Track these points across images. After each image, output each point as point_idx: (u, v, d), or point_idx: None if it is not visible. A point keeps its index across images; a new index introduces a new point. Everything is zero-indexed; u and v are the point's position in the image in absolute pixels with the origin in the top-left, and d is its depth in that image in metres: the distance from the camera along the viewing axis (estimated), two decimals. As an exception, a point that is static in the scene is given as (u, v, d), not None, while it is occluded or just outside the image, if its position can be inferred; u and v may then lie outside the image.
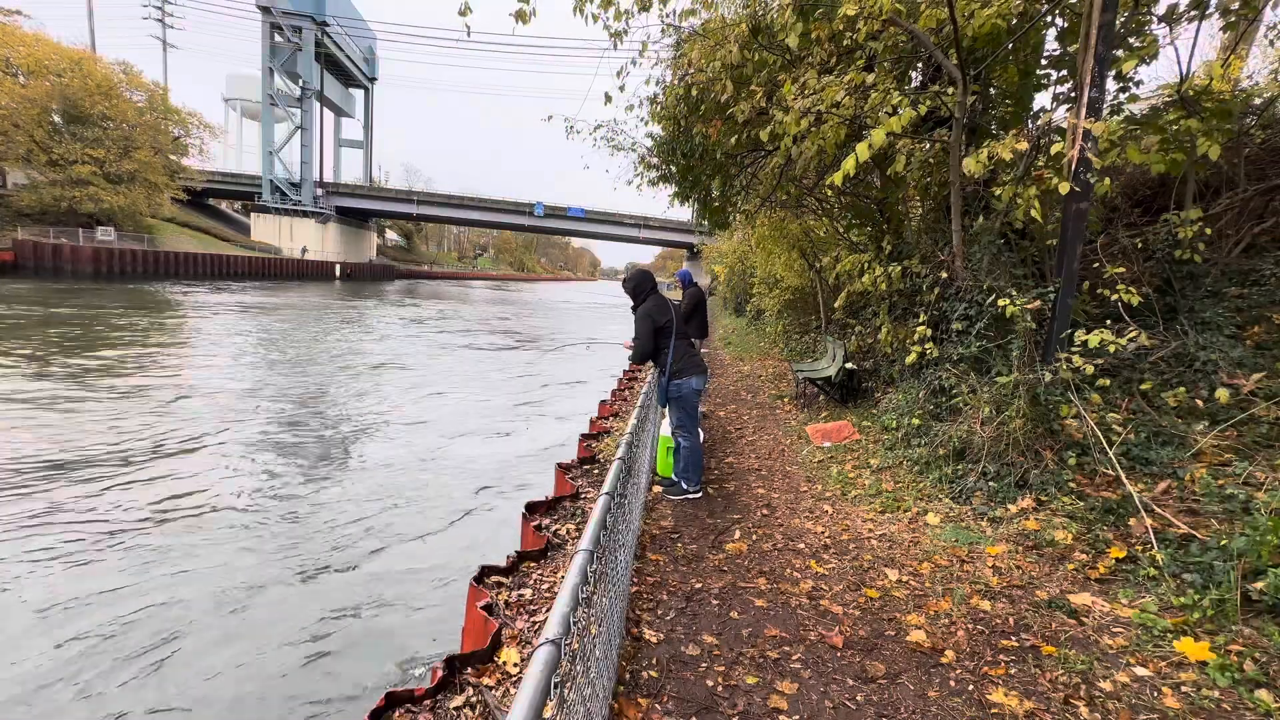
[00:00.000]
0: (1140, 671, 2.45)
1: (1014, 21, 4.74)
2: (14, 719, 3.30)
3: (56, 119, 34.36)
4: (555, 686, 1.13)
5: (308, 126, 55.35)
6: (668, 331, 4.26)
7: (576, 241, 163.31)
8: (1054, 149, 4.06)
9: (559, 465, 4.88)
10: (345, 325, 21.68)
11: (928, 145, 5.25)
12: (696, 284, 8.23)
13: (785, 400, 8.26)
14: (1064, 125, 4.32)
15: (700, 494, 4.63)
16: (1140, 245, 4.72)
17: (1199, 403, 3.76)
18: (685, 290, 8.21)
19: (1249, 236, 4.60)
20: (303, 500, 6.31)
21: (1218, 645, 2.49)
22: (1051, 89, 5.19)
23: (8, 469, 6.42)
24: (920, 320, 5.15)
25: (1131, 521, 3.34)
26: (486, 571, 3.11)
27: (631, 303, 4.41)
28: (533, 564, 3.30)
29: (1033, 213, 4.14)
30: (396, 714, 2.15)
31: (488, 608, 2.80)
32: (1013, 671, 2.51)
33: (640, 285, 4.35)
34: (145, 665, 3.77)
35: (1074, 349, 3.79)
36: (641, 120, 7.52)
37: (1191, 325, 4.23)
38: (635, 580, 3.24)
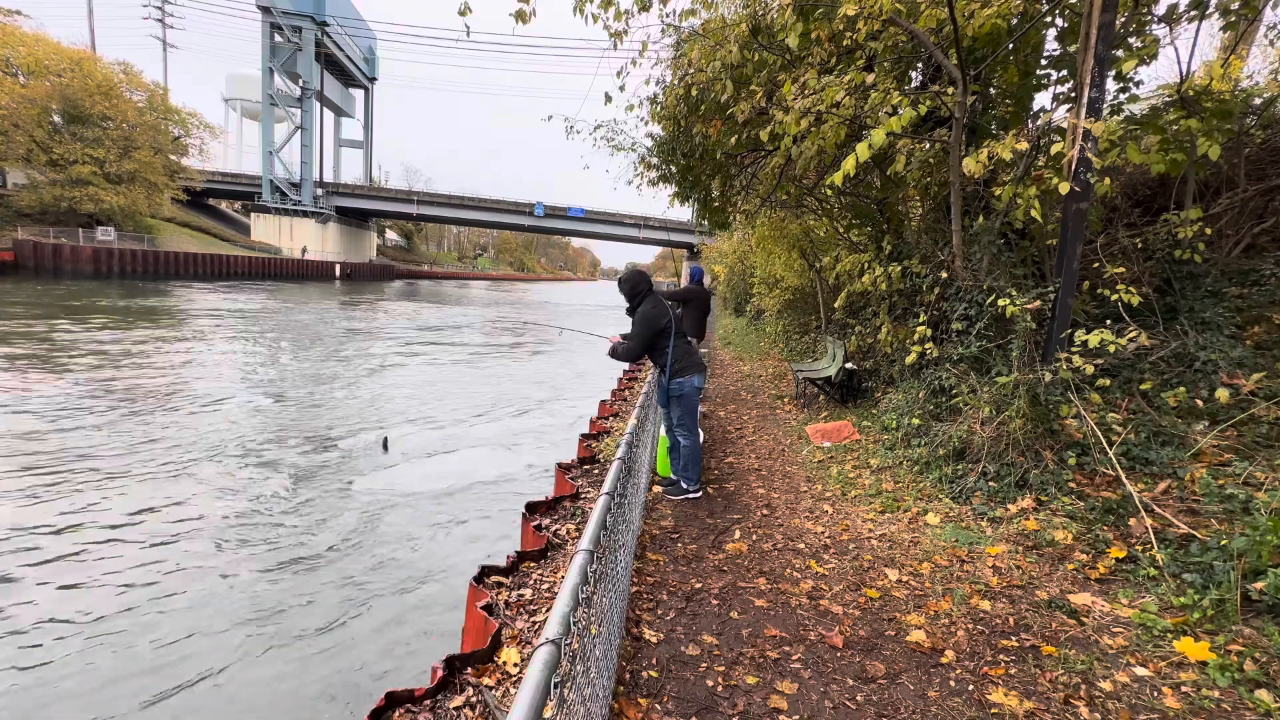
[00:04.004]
0: (1140, 671, 2.45)
1: (1014, 21, 4.74)
2: None
3: (56, 119, 34.35)
4: (555, 686, 1.13)
5: (308, 126, 55.35)
6: (667, 331, 4.24)
7: (576, 241, 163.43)
8: (1054, 149, 4.06)
9: (559, 465, 4.87)
10: (337, 328, 21.63)
11: (928, 145, 5.24)
12: (701, 283, 8.32)
13: (785, 400, 8.26)
14: (1064, 125, 4.32)
15: (700, 494, 4.62)
16: (1140, 245, 4.72)
17: (1199, 403, 3.76)
18: (691, 283, 8.29)
19: (1249, 236, 4.60)
20: (296, 509, 6.31)
21: (1218, 645, 2.49)
22: (1051, 89, 5.20)
23: None
24: (920, 320, 5.15)
25: (1131, 521, 3.34)
26: (486, 571, 3.11)
27: (627, 304, 4.38)
28: (533, 564, 3.30)
29: (1033, 213, 4.14)
30: (396, 714, 2.15)
31: (488, 608, 2.80)
32: (1013, 671, 2.51)
33: (637, 286, 4.32)
34: (146, 668, 3.77)
35: (1074, 349, 3.79)
36: (641, 120, 7.52)
37: (1191, 325, 4.23)
38: (635, 580, 3.24)
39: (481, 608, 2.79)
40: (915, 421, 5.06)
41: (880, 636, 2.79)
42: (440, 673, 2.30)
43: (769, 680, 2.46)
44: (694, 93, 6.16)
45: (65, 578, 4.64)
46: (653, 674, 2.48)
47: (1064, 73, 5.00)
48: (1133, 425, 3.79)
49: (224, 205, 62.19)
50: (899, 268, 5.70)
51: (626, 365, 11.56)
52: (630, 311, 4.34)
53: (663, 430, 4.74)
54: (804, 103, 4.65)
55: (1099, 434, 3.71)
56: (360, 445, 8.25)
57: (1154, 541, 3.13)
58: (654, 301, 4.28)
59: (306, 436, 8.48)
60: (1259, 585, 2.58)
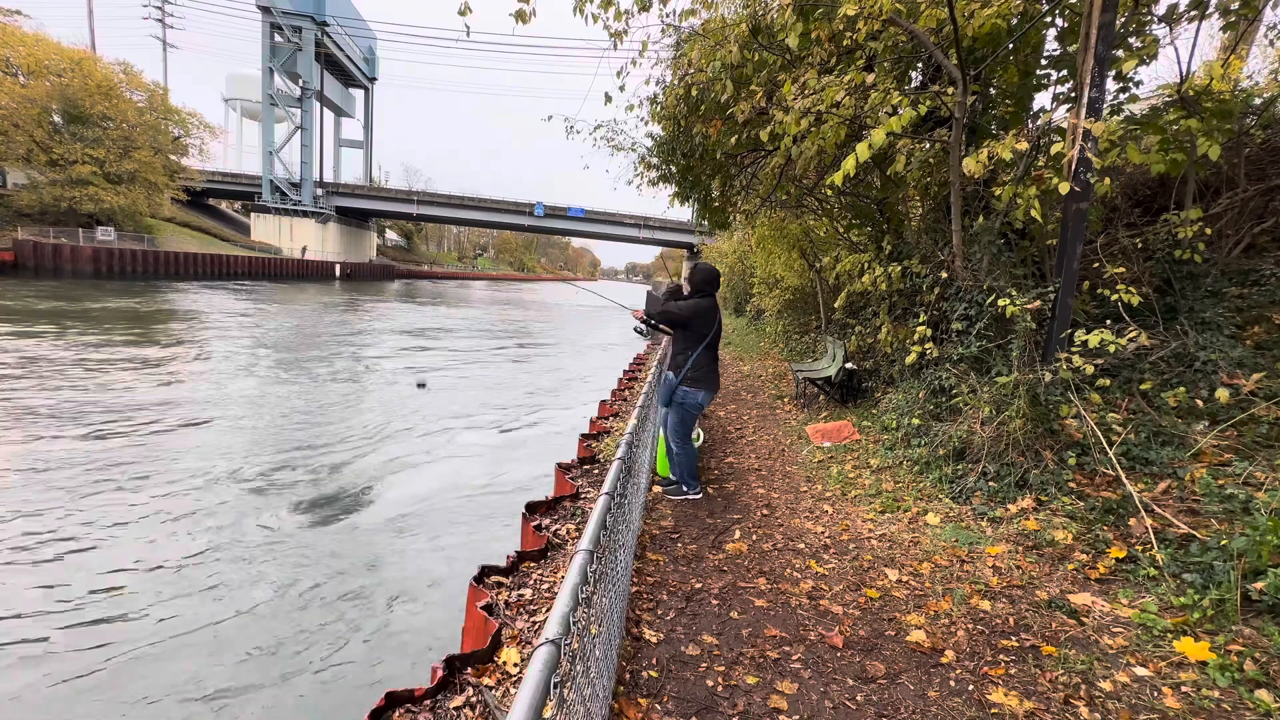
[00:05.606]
0: (1140, 671, 2.45)
1: (1014, 21, 4.74)
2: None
3: (56, 119, 34.29)
4: (555, 686, 1.13)
5: (308, 126, 55.30)
6: (704, 338, 4.24)
7: (576, 241, 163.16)
8: (1054, 149, 4.06)
9: (559, 465, 4.87)
10: (334, 331, 21.55)
11: (928, 145, 5.25)
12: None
13: (785, 400, 8.26)
14: (1064, 125, 4.33)
15: (700, 494, 4.62)
16: (1140, 245, 4.72)
17: (1199, 403, 3.76)
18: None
19: (1249, 236, 4.60)
20: (292, 517, 6.30)
21: (1218, 645, 2.49)
22: (1051, 89, 5.20)
23: None
24: (920, 320, 5.15)
25: (1131, 521, 3.34)
26: (486, 571, 3.11)
27: (686, 292, 4.36)
28: (533, 564, 3.30)
29: (1033, 213, 4.15)
30: (396, 714, 2.15)
31: (488, 608, 2.79)
32: (1013, 671, 2.51)
33: (705, 281, 4.32)
34: (147, 679, 3.77)
35: (1074, 349, 3.79)
36: (641, 120, 7.53)
37: (1191, 325, 4.23)
38: (635, 580, 3.24)
39: (481, 608, 2.78)
40: (915, 421, 5.06)
41: (880, 636, 2.79)
42: (440, 673, 2.30)
43: (769, 680, 2.46)
44: (694, 93, 6.16)
45: (65, 594, 4.64)
46: (653, 674, 2.48)
47: (1064, 73, 5.00)
48: (1133, 425, 3.78)
49: (224, 205, 62.14)
50: (899, 268, 5.70)
51: (626, 365, 11.56)
52: (679, 300, 4.37)
53: (663, 431, 4.74)
54: (804, 103, 4.66)
55: (1099, 434, 3.71)
56: (356, 450, 8.26)
57: (1154, 541, 3.13)
58: (709, 304, 4.30)
59: (301, 442, 8.47)
60: (1259, 585, 2.58)
